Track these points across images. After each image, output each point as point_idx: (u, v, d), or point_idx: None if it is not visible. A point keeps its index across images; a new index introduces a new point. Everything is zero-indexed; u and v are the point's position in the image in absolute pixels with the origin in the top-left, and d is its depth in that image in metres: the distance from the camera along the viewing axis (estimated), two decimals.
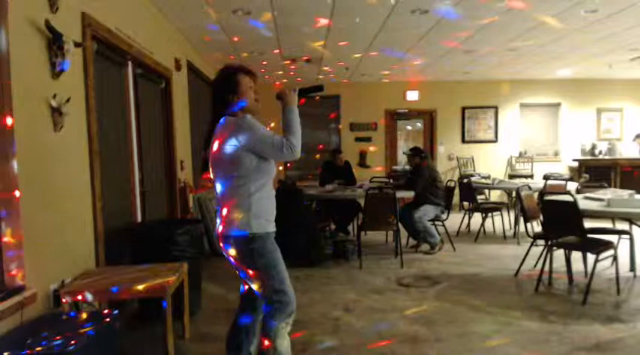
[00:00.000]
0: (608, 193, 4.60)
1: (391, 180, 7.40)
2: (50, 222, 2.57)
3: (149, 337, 3.12)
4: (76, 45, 2.76)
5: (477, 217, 6.87)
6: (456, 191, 6.32)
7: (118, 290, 2.63)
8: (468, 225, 6.87)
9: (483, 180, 7.40)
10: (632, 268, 4.50)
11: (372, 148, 9.66)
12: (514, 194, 6.81)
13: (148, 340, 3.09)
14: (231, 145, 2.09)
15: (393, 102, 9.74)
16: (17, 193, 2.25)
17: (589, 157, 9.33)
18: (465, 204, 6.75)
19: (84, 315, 2.38)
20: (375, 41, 6.11)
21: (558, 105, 9.84)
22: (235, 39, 5.86)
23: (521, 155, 9.79)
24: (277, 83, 2.18)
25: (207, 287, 4.07)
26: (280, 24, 5.26)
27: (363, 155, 9.78)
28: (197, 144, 5.91)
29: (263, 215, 2.16)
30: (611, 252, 3.92)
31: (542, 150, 9.96)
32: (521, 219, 5.15)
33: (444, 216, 5.77)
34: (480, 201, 6.96)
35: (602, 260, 3.91)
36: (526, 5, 4.67)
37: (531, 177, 9.17)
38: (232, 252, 2.20)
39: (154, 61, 4.38)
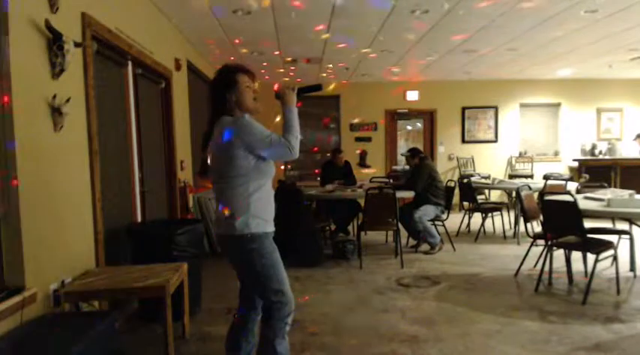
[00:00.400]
0: (608, 193, 4.60)
1: (391, 180, 7.40)
2: (50, 221, 2.57)
3: (149, 337, 3.12)
4: (76, 45, 2.76)
5: (477, 217, 6.86)
6: (456, 191, 6.32)
7: (118, 290, 2.63)
8: (468, 225, 6.87)
9: (483, 180, 7.41)
10: (632, 268, 4.50)
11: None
12: (514, 194, 6.81)
13: (148, 340, 3.09)
14: (230, 145, 2.09)
15: (393, 102, 9.74)
16: (17, 193, 2.26)
17: (589, 157, 9.33)
18: (465, 204, 6.75)
19: (84, 315, 2.38)
20: (374, 41, 6.11)
21: (558, 105, 9.84)
22: (236, 41, 5.86)
23: (521, 155, 9.79)
24: (276, 86, 2.18)
25: (207, 287, 4.06)
26: (280, 24, 5.27)
27: (363, 155, 9.78)
28: (197, 144, 5.90)
29: (262, 215, 2.16)
30: (611, 252, 3.92)
31: (542, 150, 9.96)
32: (521, 219, 5.15)
33: (443, 216, 5.77)
34: (480, 201, 6.96)
35: (602, 260, 3.91)
36: (526, 5, 4.66)
37: (531, 177, 9.17)
38: (231, 252, 2.20)
39: (153, 61, 4.38)
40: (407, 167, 7.45)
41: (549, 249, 4.15)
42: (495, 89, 9.66)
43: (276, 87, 2.27)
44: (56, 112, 2.59)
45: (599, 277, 4.29)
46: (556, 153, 9.91)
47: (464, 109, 9.79)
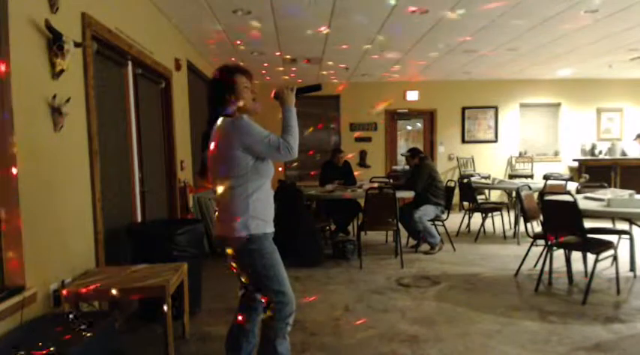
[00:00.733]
0: (608, 193, 4.60)
1: (391, 180, 7.40)
2: (50, 221, 2.57)
3: (149, 337, 3.12)
4: (76, 45, 2.76)
5: (477, 217, 6.86)
6: (456, 191, 6.32)
7: (118, 291, 2.63)
8: (468, 225, 6.87)
9: (483, 180, 7.41)
10: (632, 268, 4.50)
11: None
12: (514, 194, 6.81)
13: (148, 340, 3.09)
14: (228, 146, 2.09)
15: (393, 102, 9.74)
16: (17, 193, 2.26)
17: (589, 157, 9.33)
18: (465, 204, 6.75)
19: (84, 315, 2.38)
20: (375, 41, 6.11)
21: (558, 105, 9.84)
22: (237, 42, 5.86)
23: (521, 155, 9.79)
24: (273, 93, 2.17)
25: (207, 287, 4.06)
26: (280, 25, 5.26)
27: (363, 155, 9.78)
28: (197, 144, 5.90)
29: (261, 216, 2.16)
30: (611, 252, 3.92)
31: (542, 150, 9.96)
32: (521, 219, 5.15)
33: (444, 216, 5.77)
34: (480, 201, 6.96)
35: (602, 260, 3.91)
36: (527, 5, 4.66)
37: (531, 177, 9.17)
38: (231, 252, 2.20)
39: (153, 61, 4.38)
40: (407, 167, 7.45)
41: (549, 249, 4.15)
42: (495, 89, 9.66)
43: (273, 93, 2.28)
44: (56, 112, 2.59)
45: (599, 277, 4.29)
46: (556, 153, 9.92)
47: (464, 109, 9.79)
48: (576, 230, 3.82)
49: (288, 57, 6.96)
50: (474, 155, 9.75)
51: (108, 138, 3.46)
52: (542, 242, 4.29)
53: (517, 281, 4.45)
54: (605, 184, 5.44)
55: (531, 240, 4.53)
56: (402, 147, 9.92)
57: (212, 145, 2.17)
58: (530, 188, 5.22)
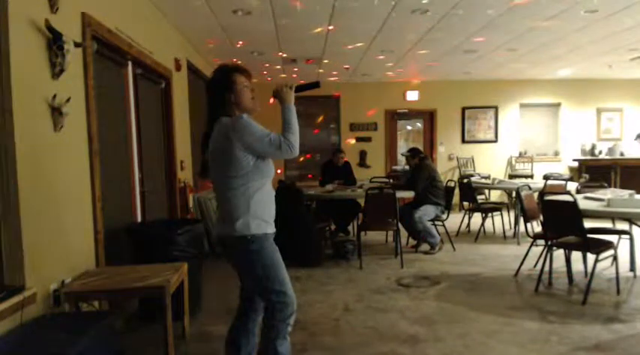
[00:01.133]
0: (608, 193, 4.60)
1: (391, 180, 7.40)
2: (50, 221, 2.57)
3: (149, 337, 3.12)
4: (76, 45, 2.76)
5: (477, 217, 6.86)
6: (456, 191, 6.32)
7: (118, 290, 2.63)
8: (468, 225, 6.87)
9: (483, 180, 7.41)
10: (632, 268, 4.50)
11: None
12: (514, 194, 6.80)
13: (148, 340, 3.09)
14: (228, 146, 2.08)
15: (393, 103, 9.74)
16: (17, 193, 2.25)
17: (589, 157, 9.33)
18: (465, 204, 6.75)
19: (84, 315, 2.38)
20: (374, 41, 6.11)
21: (558, 105, 9.84)
22: (237, 42, 5.86)
23: (521, 155, 9.79)
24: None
25: (207, 287, 4.06)
26: (280, 24, 5.27)
27: (363, 155, 9.78)
28: (197, 144, 5.90)
29: (262, 216, 2.16)
30: (611, 252, 3.92)
31: (542, 150, 9.96)
32: (521, 219, 5.15)
33: (443, 216, 5.77)
34: (480, 201, 6.96)
35: (602, 260, 3.91)
36: (527, 5, 4.66)
37: (531, 177, 9.17)
38: (232, 253, 2.20)
39: (153, 61, 4.38)
40: (407, 167, 7.45)
41: (549, 249, 4.15)
42: (495, 89, 9.66)
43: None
44: (56, 112, 2.59)
45: (599, 277, 4.29)
46: (556, 153, 9.92)
47: (464, 109, 9.79)
48: (576, 230, 3.82)
49: (286, 56, 6.96)
50: (474, 155, 9.75)
51: (108, 138, 3.46)
52: (542, 242, 4.29)
53: (517, 281, 4.45)
54: (605, 184, 5.44)
55: (531, 240, 4.52)
56: (402, 147, 9.91)
57: (213, 146, 2.17)
58: (530, 188, 5.21)
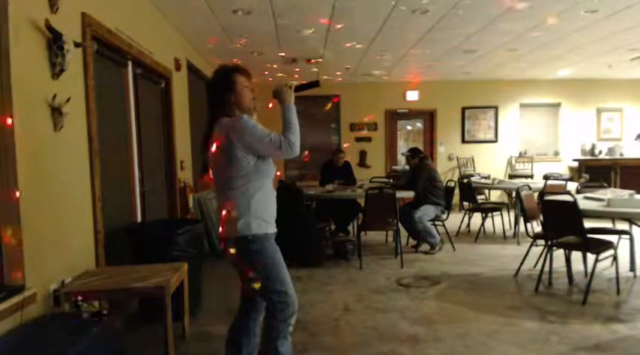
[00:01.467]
0: (608, 193, 4.60)
1: (391, 180, 7.40)
2: (50, 222, 2.57)
3: (149, 337, 3.11)
4: (76, 45, 2.76)
5: (477, 217, 6.86)
6: (456, 191, 6.32)
7: (118, 290, 2.63)
8: (468, 225, 6.87)
9: (483, 180, 7.41)
10: (632, 268, 4.49)
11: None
12: (514, 194, 6.81)
13: (148, 340, 3.09)
14: (228, 146, 2.09)
15: (393, 103, 9.74)
16: (17, 193, 2.25)
17: (589, 157, 9.33)
18: (465, 204, 6.75)
19: (84, 315, 2.38)
20: (375, 41, 6.11)
21: (558, 105, 9.84)
22: (237, 42, 5.86)
23: (521, 155, 9.79)
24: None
25: (207, 287, 4.07)
26: (280, 24, 5.27)
27: (363, 155, 9.78)
28: (197, 144, 5.90)
29: (263, 216, 2.16)
30: (611, 252, 3.92)
31: (542, 150, 9.96)
32: (521, 219, 5.15)
33: (444, 216, 5.77)
34: (480, 201, 6.96)
35: (602, 260, 3.90)
36: (527, 5, 4.66)
37: (531, 177, 9.17)
38: (233, 253, 2.20)
39: (153, 61, 4.38)
40: (407, 167, 7.46)
41: (549, 249, 4.14)
42: (495, 89, 9.66)
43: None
44: (56, 112, 2.59)
45: (599, 277, 4.28)
46: (556, 153, 9.92)
47: (464, 109, 9.79)
48: (576, 230, 3.82)
49: (286, 55, 6.95)
50: (474, 155, 9.75)
51: (108, 138, 3.46)
52: (542, 242, 4.29)
53: (517, 281, 4.45)
54: (605, 184, 5.44)
55: (531, 240, 4.52)
56: (402, 147, 9.92)
57: (213, 146, 2.17)
58: (530, 188, 5.21)
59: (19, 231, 2.26)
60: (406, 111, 9.85)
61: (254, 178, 2.13)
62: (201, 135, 2.29)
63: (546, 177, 7.28)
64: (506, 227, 6.68)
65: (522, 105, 9.83)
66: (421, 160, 5.79)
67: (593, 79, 9.41)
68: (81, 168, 2.97)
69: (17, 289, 2.23)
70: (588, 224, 3.86)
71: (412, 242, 5.98)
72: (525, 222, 4.61)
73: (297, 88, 2.29)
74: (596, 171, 8.37)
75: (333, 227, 6.56)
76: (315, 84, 2.39)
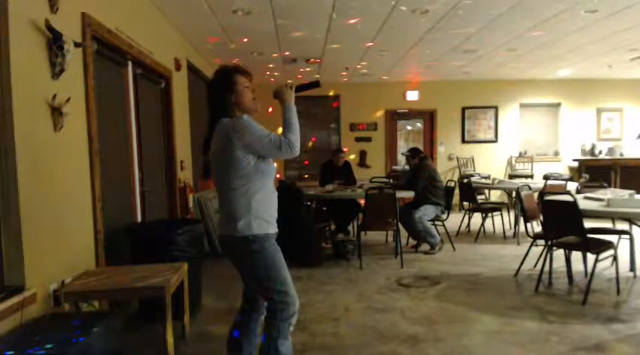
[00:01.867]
0: (608, 193, 4.60)
1: (391, 180, 7.40)
2: (50, 221, 2.57)
3: (149, 337, 3.12)
4: (76, 45, 2.76)
5: (477, 217, 6.86)
6: (456, 191, 6.32)
7: (118, 290, 2.63)
8: (468, 225, 6.87)
9: (483, 180, 7.41)
10: (632, 268, 4.49)
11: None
12: (514, 194, 6.81)
13: (147, 340, 3.09)
14: (229, 146, 2.09)
15: (393, 102, 9.74)
16: (17, 193, 2.26)
17: (589, 157, 9.33)
18: (465, 204, 6.75)
19: (84, 315, 2.38)
20: (374, 41, 6.11)
21: (558, 105, 9.84)
22: (237, 41, 5.86)
23: (521, 155, 9.79)
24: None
25: (207, 287, 4.06)
26: (280, 24, 5.26)
27: (363, 155, 9.78)
28: (197, 144, 5.90)
29: (264, 216, 2.16)
30: (611, 252, 3.92)
31: (542, 150, 9.96)
32: (521, 219, 5.15)
33: (444, 216, 5.76)
34: (480, 201, 6.96)
35: (602, 260, 3.90)
36: (526, 5, 4.66)
37: (531, 177, 9.17)
38: (234, 252, 2.20)
39: (154, 61, 4.38)
40: (407, 167, 7.46)
41: (549, 249, 4.15)
42: (495, 89, 9.66)
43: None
44: (56, 112, 2.59)
45: (599, 277, 4.29)
46: (556, 153, 9.92)
47: (464, 109, 9.79)
48: (576, 230, 3.82)
49: (287, 54, 6.95)
50: (474, 155, 9.75)
51: (108, 138, 3.46)
52: (542, 242, 4.29)
53: (517, 281, 4.45)
54: (605, 184, 5.44)
55: (531, 240, 4.52)
56: (402, 147, 9.92)
57: (214, 146, 2.17)
58: (530, 188, 5.21)
59: (19, 231, 2.26)
60: (406, 111, 9.85)
61: (254, 178, 2.13)
62: (203, 137, 2.29)
63: (546, 177, 7.28)
64: (506, 227, 6.68)
65: (522, 105, 9.83)
66: (421, 160, 5.79)
67: (593, 79, 9.41)
68: (81, 168, 2.97)
69: (17, 289, 2.23)
70: (588, 224, 3.85)
71: (412, 242, 5.98)
72: (525, 222, 4.61)
73: (298, 88, 2.29)
74: (596, 171, 8.38)
75: (333, 227, 6.55)
76: (315, 84, 2.39)
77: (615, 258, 3.99)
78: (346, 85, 9.47)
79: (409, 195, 5.68)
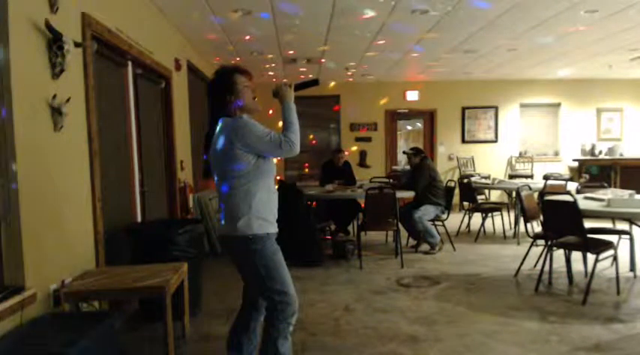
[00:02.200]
0: (608, 193, 4.60)
1: (391, 180, 7.40)
2: (50, 221, 2.57)
3: (149, 337, 3.12)
4: (76, 45, 2.76)
5: (477, 217, 6.86)
6: (456, 191, 6.32)
7: (118, 291, 2.63)
8: (468, 225, 6.87)
9: (483, 180, 7.41)
10: (632, 268, 4.49)
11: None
12: (514, 194, 6.81)
13: (148, 340, 3.09)
14: (229, 146, 2.09)
15: (393, 103, 9.74)
16: (17, 193, 2.25)
17: (589, 157, 9.33)
18: (465, 204, 6.75)
19: (84, 315, 2.38)
20: (374, 41, 6.11)
21: (558, 105, 9.84)
22: (237, 41, 5.86)
23: (521, 155, 9.79)
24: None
25: (207, 287, 4.06)
26: (280, 24, 5.26)
27: (363, 155, 9.78)
28: (197, 144, 5.90)
29: (264, 216, 2.16)
30: (611, 252, 3.92)
31: (542, 150, 9.96)
32: (521, 219, 5.15)
33: (444, 216, 5.76)
34: (480, 201, 6.96)
35: (602, 260, 3.90)
36: (526, 5, 4.66)
37: (531, 177, 9.17)
38: (234, 252, 2.20)
39: (154, 61, 4.38)
40: (407, 167, 7.46)
41: (549, 249, 4.14)
42: (495, 89, 9.65)
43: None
44: (56, 112, 2.59)
45: (599, 277, 4.29)
46: (556, 153, 9.91)
47: (464, 109, 9.79)
48: (576, 230, 3.82)
49: (290, 53, 6.95)
50: (474, 155, 9.75)
51: (108, 138, 3.46)
52: (542, 242, 4.29)
53: (517, 281, 4.45)
54: (605, 184, 5.44)
55: (531, 240, 4.52)
56: (402, 147, 9.91)
57: (214, 146, 2.17)
58: (530, 188, 5.21)
59: (19, 231, 2.26)
60: (406, 111, 9.85)
61: (255, 177, 2.14)
62: (204, 136, 2.29)
63: (546, 177, 7.28)
64: (506, 227, 6.68)
65: (522, 105, 9.83)
66: (422, 160, 5.79)
67: (593, 79, 9.41)
68: (81, 168, 2.97)
69: (17, 289, 2.23)
70: (588, 224, 3.85)
71: (412, 242, 5.98)
72: (525, 222, 4.61)
73: (297, 87, 2.29)
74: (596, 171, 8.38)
75: (333, 227, 6.56)
76: (314, 82, 2.39)
77: (615, 258, 3.99)
78: (346, 85, 9.47)
79: (409, 195, 5.68)
